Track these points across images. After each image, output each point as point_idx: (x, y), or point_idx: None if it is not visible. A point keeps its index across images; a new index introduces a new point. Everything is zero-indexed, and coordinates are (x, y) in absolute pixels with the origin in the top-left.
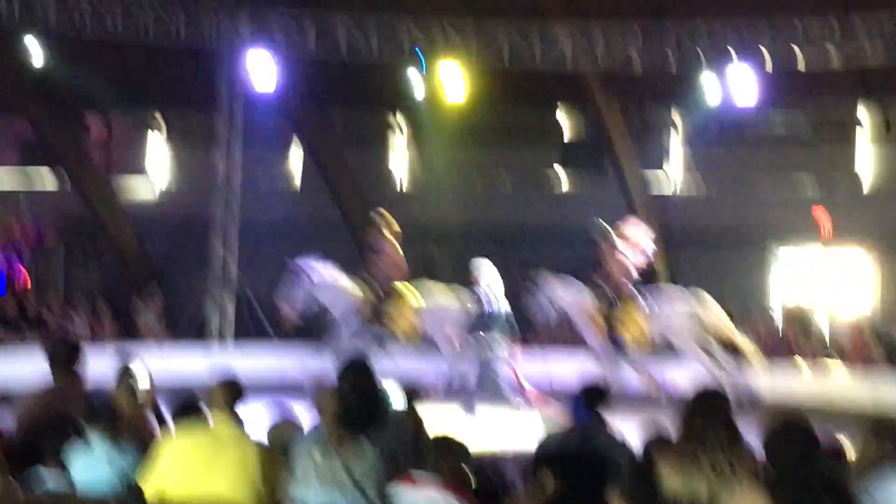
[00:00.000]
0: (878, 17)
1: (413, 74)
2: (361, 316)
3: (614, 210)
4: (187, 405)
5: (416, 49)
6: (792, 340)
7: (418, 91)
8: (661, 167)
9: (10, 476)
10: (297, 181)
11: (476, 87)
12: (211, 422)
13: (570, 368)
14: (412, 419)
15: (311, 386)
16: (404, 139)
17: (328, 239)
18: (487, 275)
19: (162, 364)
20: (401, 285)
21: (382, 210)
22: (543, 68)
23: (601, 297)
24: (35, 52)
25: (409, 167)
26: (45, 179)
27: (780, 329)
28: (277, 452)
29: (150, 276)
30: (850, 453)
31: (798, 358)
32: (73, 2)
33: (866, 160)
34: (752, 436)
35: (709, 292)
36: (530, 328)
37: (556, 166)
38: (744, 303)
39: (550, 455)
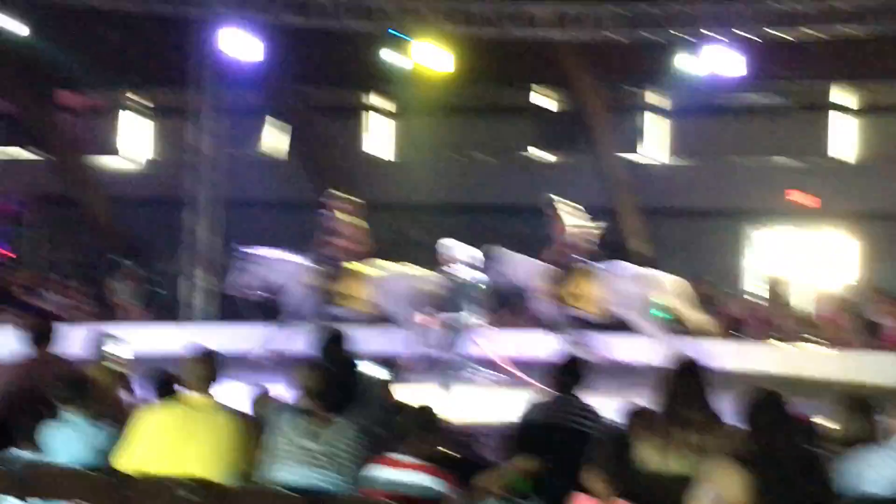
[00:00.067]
0: None
1: (390, 50)
2: (315, 296)
3: (592, 186)
4: (163, 381)
5: (391, 29)
6: (769, 316)
7: (396, 67)
8: (638, 143)
9: None
10: (275, 156)
11: (454, 63)
12: (186, 397)
13: (543, 344)
14: (389, 396)
15: (272, 363)
16: (380, 115)
17: (306, 215)
18: (458, 253)
19: (138, 341)
20: (356, 265)
21: (336, 191)
22: (521, 45)
23: (555, 271)
24: (9, 27)
25: (386, 143)
26: (20, 155)
27: (756, 304)
28: (262, 423)
29: (126, 253)
30: (826, 429)
31: (774, 334)
32: None
33: (844, 138)
34: (730, 412)
35: (686, 267)
36: (503, 304)
37: (534, 142)
38: (721, 278)
39: (526, 430)
